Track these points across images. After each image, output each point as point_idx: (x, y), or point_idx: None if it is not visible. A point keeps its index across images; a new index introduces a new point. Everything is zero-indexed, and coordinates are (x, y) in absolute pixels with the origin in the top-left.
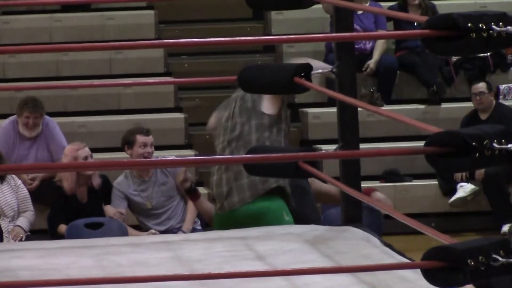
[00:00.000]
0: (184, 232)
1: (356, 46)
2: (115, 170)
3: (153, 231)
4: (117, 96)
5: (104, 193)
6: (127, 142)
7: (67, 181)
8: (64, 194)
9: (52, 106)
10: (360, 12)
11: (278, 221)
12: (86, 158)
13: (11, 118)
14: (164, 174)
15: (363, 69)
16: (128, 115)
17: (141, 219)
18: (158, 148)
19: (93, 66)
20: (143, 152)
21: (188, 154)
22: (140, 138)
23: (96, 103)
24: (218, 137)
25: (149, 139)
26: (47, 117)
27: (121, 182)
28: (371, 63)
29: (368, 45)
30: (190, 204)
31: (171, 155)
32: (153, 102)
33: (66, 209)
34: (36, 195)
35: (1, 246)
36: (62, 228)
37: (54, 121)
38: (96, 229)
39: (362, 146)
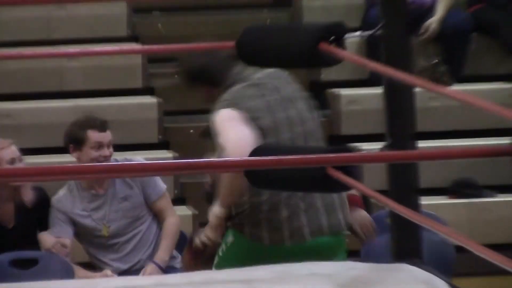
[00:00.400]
0: (158, 267)
1: (410, 0)
2: (55, 181)
3: (108, 272)
4: (58, 72)
5: (39, 214)
6: (74, 140)
7: None
8: None
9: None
10: None
11: None
12: (12, 161)
13: None
14: (127, 185)
15: (422, 31)
16: (75, 100)
17: (94, 252)
18: (120, 148)
19: (24, 27)
20: (98, 156)
21: (163, 156)
22: (92, 135)
23: (27, 82)
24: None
25: (106, 136)
26: None
27: (62, 198)
28: (433, 22)
29: None
30: (168, 226)
31: (138, 157)
32: (112, 80)
33: None
34: None
35: None
36: None
37: None
38: (27, 268)
39: (421, 144)
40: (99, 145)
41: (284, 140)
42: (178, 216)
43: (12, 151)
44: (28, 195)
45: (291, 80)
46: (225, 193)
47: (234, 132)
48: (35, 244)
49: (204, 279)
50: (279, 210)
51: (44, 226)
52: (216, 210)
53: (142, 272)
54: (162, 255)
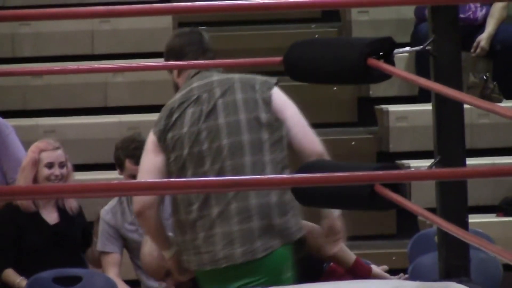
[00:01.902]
0: None
1: (461, 16)
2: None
3: None
4: (102, 87)
5: (79, 225)
6: (117, 163)
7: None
8: (17, 216)
9: (5, 101)
10: None
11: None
12: (50, 165)
13: None
14: None
15: (472, 49)
16: (119, 115)
17: (139, 263)
18: None
19: (67, 40)
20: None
21: None
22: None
23: (71, 97)
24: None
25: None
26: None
27: (112, 210)
28: (483, 38)
29: (480, 13)
30: None
31: None
32: (157, 95)
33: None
34: None
35: None
36: (11, 275)
37: (8, 125)
38: (71, 286)
39: (470, 161)
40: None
41: (192, 154)
42: None
43: (56, 155)
44: (72, 203)
45: (251, 86)
46: (151, 239)
47: (143, 162)
48: (73, 247)
49: None
50: (209, 238)
51: (87, 241)
52: (164, 255)
53: None
54: None
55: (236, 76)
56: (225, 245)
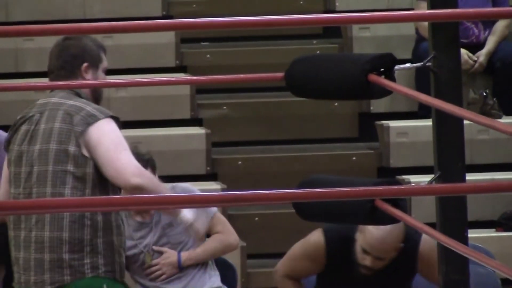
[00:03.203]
0: (178, 260)
1: (464, 41)
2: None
3: None
4: (105, 101)
5: None
6: None
7: None
8: None
9: (7, 117)
10: None
11: None
12: None
13: None
14: None
15: (468, 63)
16: (123, 131)
17: (139, 279)
18: (168, 179)
19: None
20: None
21: (211, 188)
22: None
23: None
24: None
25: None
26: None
27: None
28: (481, 54)
29: (483, 34)
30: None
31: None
32: (159, 110)
33: None
34: None
35: None
36: None
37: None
38: None
39: (470, 177)
40: None
41: (14, 173)
42: (236, 237)
43: None
44: None
45: (71, 117)
46: None
47: None
48: None
49: None
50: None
51: None
52: None
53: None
54: (190, 253)
55: (68, 103)
56: (25, 270)
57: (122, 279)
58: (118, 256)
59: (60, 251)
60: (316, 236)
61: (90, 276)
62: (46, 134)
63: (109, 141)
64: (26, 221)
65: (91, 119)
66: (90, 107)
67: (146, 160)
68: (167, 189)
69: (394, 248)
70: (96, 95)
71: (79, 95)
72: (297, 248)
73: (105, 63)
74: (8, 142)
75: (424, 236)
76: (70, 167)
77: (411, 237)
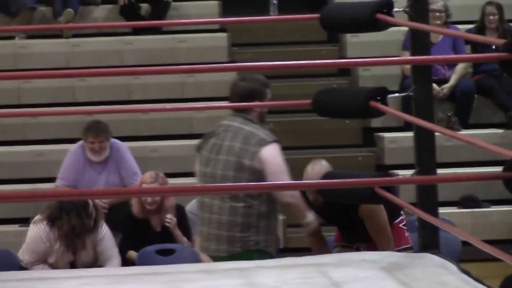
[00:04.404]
0: None
1: (434, 78)
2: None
3: None
4: (189, 120)
5: (178, 223)
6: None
7: (135, 206)
8: (135, 220)
9: (123, 130)
10: (436, 41)
11: None
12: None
13: (80, 142)
14: None
15: (438, 93)
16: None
17: None
18: None
19: (165, 89)
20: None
21: None
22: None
23: (168, 127)
24: None
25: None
26: (118, 141)
27: (194, 205)
28: (446, 87)
29: (448, 73)
30: None
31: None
32: None
33: (137, 236)
34: (107, 220)
35: (73, 272)
36: (133, 254)
37: (125, 146)
38: (167, 256)
39: (439, 171)
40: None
41: (200, 173)
42: None
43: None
44: (171, 207)
45: (249, 139)
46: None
47: None
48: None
49: (290, 262)
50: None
51: (183, 231)
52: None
53: None
54: None
55: (245, 128)
56: (208, 240)
57: (271, 252)
58: (273, 235)
59: (234, 230)
60: None
61: (253, 249)
62: (230, 149)
63: (275, 164)
64: (210, 206)
65: (263, 142)
66: (261, 133)
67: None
68: (306, 208)
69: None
70: (262, 119)
71: (252, 121)
72: None
73: (269, 96)
74: (199, 148)
75: None
76: (245, 175)
77: None
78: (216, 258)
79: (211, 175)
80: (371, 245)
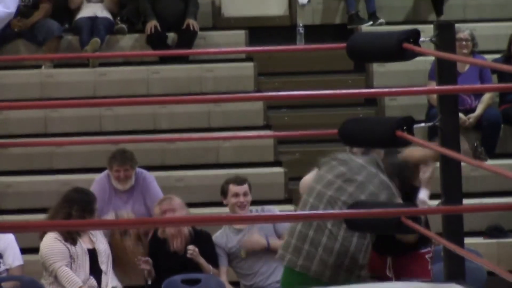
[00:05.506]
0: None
1: (461, 108)
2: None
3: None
4: (215, 150)
5: (199, 248)
6: (222, 192)
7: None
8: (158, 240)
9: (149, 159)
10: (463, 70)
11: None
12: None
13: (105, 172)
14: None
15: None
16: (227, 169)
17: (238, 272)
18: (257, 202)
19: (191, 119)
20: (236, 202)
21: (288, 208)
22: (232, 188)
23: (194, 156)
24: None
25: (242, 188)
26: (144, 171)
27: (219, 236)
28: (472, 117)
29: (474, 103)
30: None
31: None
32: (252, 155)
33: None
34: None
35: None
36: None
37: (151, 175)
38: (193, 285)
39: (465, 201)
40: (236, 195)
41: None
42: None
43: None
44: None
45: (381, 184)
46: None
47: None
48: (195, 267)
49: None
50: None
51: (209, 258)
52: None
53: None
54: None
55: (380, 177)
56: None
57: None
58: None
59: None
60: None
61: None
62: (363, 188)
63: None
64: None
65: (385, 185)
66: (393, 187)
67: (241, 180)
68: None
69: None
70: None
71: (380, 167)
72: None
73: None
74: (319, 167)
75: None
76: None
77: None
78: None
79: (327, 196)
80: (401, 259)
